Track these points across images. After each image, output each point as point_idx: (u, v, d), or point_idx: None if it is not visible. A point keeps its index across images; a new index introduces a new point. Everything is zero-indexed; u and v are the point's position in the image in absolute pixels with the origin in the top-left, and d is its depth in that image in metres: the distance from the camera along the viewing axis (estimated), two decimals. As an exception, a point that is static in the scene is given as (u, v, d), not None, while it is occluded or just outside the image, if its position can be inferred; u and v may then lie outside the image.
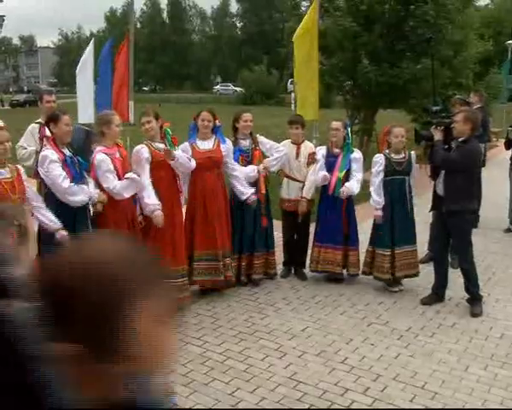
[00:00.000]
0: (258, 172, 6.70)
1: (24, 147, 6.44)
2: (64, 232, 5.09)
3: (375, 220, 6.72)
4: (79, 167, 5.39)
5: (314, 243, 7.09)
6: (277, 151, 6.97)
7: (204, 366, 5.00)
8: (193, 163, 6.18)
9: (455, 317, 6.06)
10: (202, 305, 6.37)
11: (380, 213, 6.59)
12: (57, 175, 5.14)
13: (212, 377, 4.81)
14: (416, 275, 6.77)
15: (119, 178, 5.60)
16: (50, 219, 5.10)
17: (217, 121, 6.54)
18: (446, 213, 6.12)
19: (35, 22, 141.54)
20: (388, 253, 6.61)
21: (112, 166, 5.60)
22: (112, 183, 5.54)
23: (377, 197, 6.57)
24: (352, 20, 14.24)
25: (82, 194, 5.24)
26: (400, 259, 6.61)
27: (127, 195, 5.62)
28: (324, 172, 6.77)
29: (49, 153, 5.22)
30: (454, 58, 15.48)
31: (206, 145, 6.46)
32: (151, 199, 5.82)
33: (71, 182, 5.20)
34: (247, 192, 6.63)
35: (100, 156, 5.60)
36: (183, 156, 6.08)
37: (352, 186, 6.69)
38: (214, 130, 6.55)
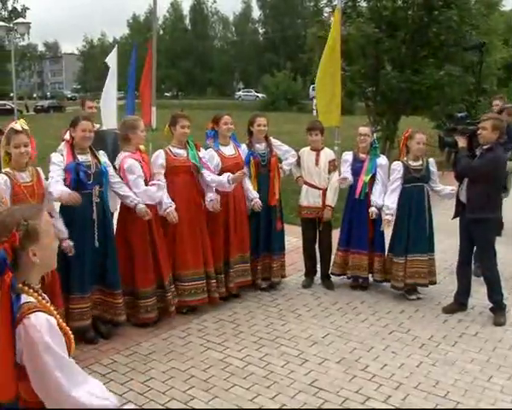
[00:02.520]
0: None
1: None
2: (69, 242, 5.16)
3: (394, 226, 6.72)
4: (95, 175, 5.34)
5: (338, 247, 7.07)
6: (292, 156, 7.06)
7: (224, 371, 5.00)
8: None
9: (478, 326, 6.00)
10: (223, 311, 6.38)
11: (389, 217, 6.59)
12: (51, 176, 5.17)
13: (232, 382, 4.81)
14: (425, 285, 6.69)
15: (146, 184, 5.66)
16: (58, 228, 5.09)
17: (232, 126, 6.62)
18: (469, 220, 6.06)
19: (60, 29, 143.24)
20: (402, 261, 6.60)
21: (142, 172, 5.68)
22: (140, 187, 5.61)
23: (388, 203, 6.57)
24: (374, 26, 14.21)
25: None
26: (411, 266, 6.56)
27: (155, 200, 5.67)
28: (344, 175, 6.77)
29: (54, 155, 5.31)
30: (478, 64, 15.37)
31: (229, 151, 6.54)
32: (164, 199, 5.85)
33: (71, 188, 5.15)
34: (255, 197, 6.62)
35: (130, 161, 5.66)
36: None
37: (377, 202, 6.70)
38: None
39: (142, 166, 5.69)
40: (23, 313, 2.18)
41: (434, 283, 6.76)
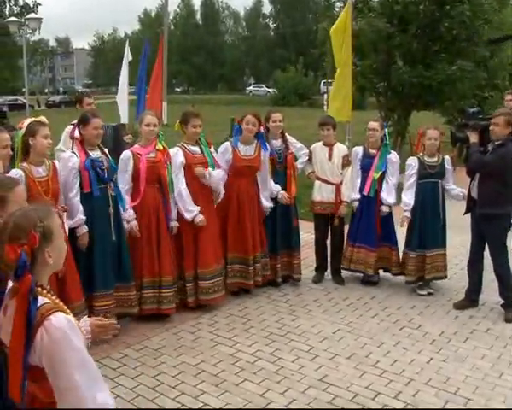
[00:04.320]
0: (278, 196, 6.63)
1: (62, 150, 6.53)
2: (84, 229, 5.24)
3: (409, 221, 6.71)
4: (108, 171, 5.41)
5: (347, 241, 7.07)
6: (304, 154, 7.06)
7: (235, 366, 5.01)
8: (223, 176, 6.26)
9: (489, 322, 5.97)
10: (234, 306, 6.39)
11: (407, 214, 6.62)
12: (65, 181, 5.19)
13: (242, 377, 4.82)
14: (443, 278, 6.76)
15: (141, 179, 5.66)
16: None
17: (261, 128, 6.51)
18: (480, 216, 6.04)
19: (71, 25, 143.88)
20: (414, 255, 6.63)
21: (129, 167, 5.66)
22: (121, 183, 5.63)
23: (406, 199, 6.64)
24: (386, 21, 14.14)
25: (74, 217, 5.22)
26: (431, 262, 6.60)
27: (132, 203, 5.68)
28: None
29: (68, 156, 5.32)
30: (490, 59, 15.28)
31: (247, 151, 6.47)
32: (187, 206, 5.94)
33: (90, 185, 5.25)
34: (266, 205, 6.65)
35: (122, 155, 5.77)
36: (217, 175, 6.17)
37: (388, 200, 6.75)
38: (257, 135, 6.52)
39: (137, 161, 5.68)
40: (43, 315, 2.17)
41: (446, 277, 6.77)
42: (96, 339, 2.70)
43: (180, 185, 5.95)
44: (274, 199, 6.71)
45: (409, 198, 6.60)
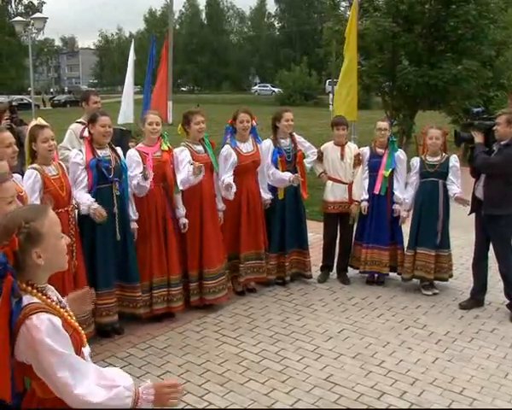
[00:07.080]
0: (290, 181, 6.59)
1: (66, 147, 6.53)
2: (96, 207, 5.17)
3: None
4: (115, 170, 5.40)
5: (356, 241, 7.08)
6: (312, 153, 7.04)
7: (240, 365, 5.02)
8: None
9: (494, 322, 5.96)
10: (239, 305, 6.39)
11: (405, 214, 6.72)
12: (76, 178, 5.23)
13: (247, 377, 4.83)
14: (431, 280, 6.69)
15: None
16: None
17: (253, 121, 6.58)
18: (485, 217, 6.02)
19: (76, 24, 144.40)
20: (410, 253, 6.67)
21: (138, 161, 5.63)
22: (134, 179, 5.58)
23: (405, 198, 6.71)
24: (391, 21, 14.13)
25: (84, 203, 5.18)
26: (418, 259, 6.60)
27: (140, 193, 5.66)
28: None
29: (74, 154, 5.36)
30: (496, 58, 15.25)
31: (247, 148, 6.51)
32: (187, 175, 5.83)
33: (92, 184, 5.27)
34: (265, 197, 6.71)
35: (129, 152, 5.76)
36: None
37: (400, 197, 6.77)
38: (250, 130, 6.58)
39: (144, 159, 5.66)
40: (25, 314, 2.17)
41: (442, 279, 6.73)
42: (166, 405, 2.39)
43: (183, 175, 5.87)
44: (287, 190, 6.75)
45: (406, 197, 6.69)
